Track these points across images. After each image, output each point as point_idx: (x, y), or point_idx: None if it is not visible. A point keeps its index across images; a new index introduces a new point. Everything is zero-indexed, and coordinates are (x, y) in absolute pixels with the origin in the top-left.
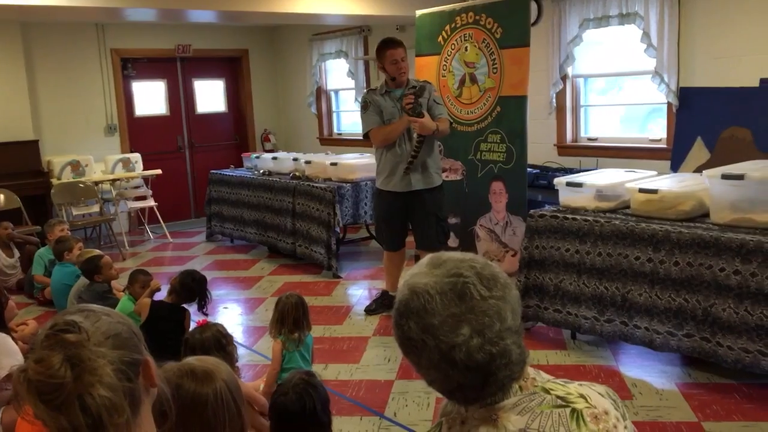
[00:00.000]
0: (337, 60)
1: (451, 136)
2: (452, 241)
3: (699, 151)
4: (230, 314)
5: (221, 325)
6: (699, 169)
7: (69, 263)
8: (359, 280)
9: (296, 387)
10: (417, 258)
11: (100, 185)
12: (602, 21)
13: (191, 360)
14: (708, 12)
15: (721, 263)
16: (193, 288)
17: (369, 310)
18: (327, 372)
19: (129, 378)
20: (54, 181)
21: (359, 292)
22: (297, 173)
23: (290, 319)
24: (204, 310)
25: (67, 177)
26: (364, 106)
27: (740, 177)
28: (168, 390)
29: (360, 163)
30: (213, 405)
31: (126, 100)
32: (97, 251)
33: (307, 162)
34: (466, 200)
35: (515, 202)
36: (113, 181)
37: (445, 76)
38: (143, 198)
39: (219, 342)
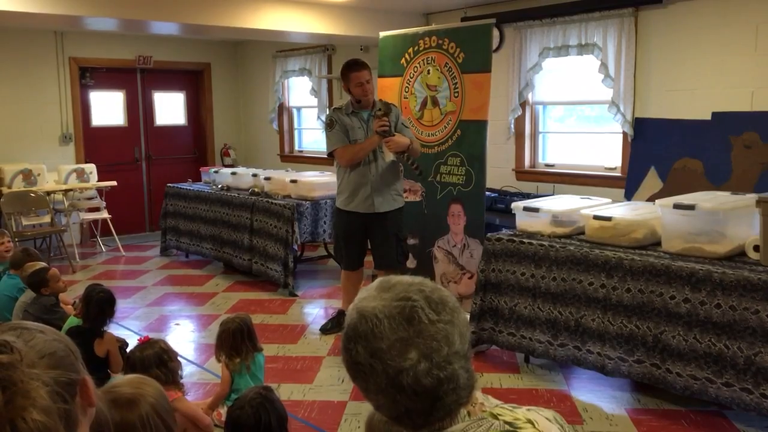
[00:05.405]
0: (301, 77)
1: None
2: (410, 262)
3: (652, 181)
4: (182, 331)
5: (164, 341)
6: (652, 198)
7: (15, 275)
8: (316, 298)
9: (253, 401)
10: (374, 278)
11: (52, 195)
12: (561, 50)
13: (116, 384)
14: (663, 46)
15: (671, 291)
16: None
17: (324, 330)
18: (279, 392)
19: (65, 399)
20: (4, 189)
21: (315, 311)
22: (256, 189)
23: (227, 345)
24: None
25: (18, 186)
26: (330, 125)
27: (691, 207)
28: (106, 409)
29: (320, 181)
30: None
31: (83, 110)
32: (43, 263)
33: (267, 178)
34: (425, 221)
35: (473, 225)
36: (66, 191)
37: (407, 98)
38: (96, 209)
39: (160, 358)
